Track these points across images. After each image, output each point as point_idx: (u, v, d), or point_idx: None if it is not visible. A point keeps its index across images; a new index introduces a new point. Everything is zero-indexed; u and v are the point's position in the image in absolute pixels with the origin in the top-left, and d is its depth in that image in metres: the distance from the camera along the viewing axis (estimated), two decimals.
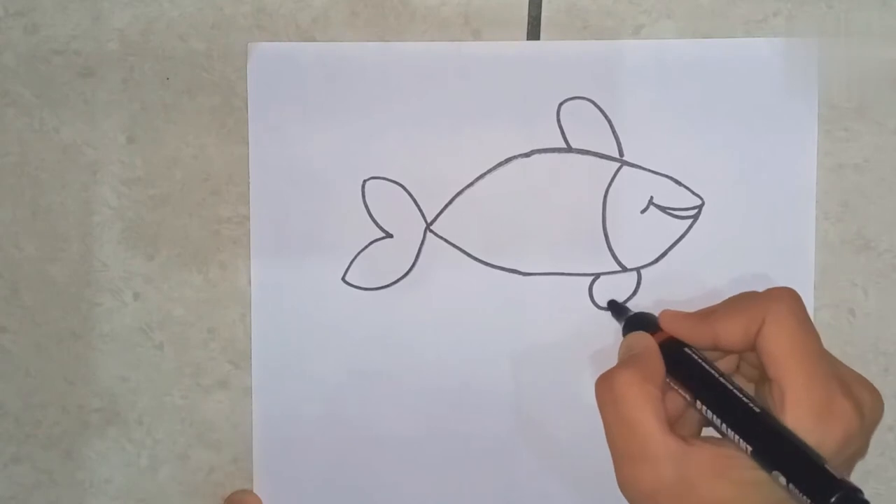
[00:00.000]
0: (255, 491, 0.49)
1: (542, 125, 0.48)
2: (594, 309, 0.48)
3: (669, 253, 0.48)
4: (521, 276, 0.48)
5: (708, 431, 0.41)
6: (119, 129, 0.49)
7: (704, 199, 0.47)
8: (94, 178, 0.49)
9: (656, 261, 0.48)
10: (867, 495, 0.34)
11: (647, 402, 0.39)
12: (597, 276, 0.48)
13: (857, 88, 0.47)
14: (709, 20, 0.47)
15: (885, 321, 0.48)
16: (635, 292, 0.48)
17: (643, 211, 0.48)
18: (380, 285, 0.49)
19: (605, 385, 0.40)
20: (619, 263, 0.48)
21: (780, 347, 0.38)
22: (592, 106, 0.47)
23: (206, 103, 0.49)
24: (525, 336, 0.48)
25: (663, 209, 0.48)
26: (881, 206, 0.48)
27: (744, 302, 0.40)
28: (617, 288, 0.48)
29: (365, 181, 0.48)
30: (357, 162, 0.48)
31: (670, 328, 0.42)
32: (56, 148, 0.49)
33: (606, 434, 0.40)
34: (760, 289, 0.41)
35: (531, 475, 0.48)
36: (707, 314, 0.41)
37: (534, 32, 0.48)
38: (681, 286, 0.47)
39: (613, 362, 0.47)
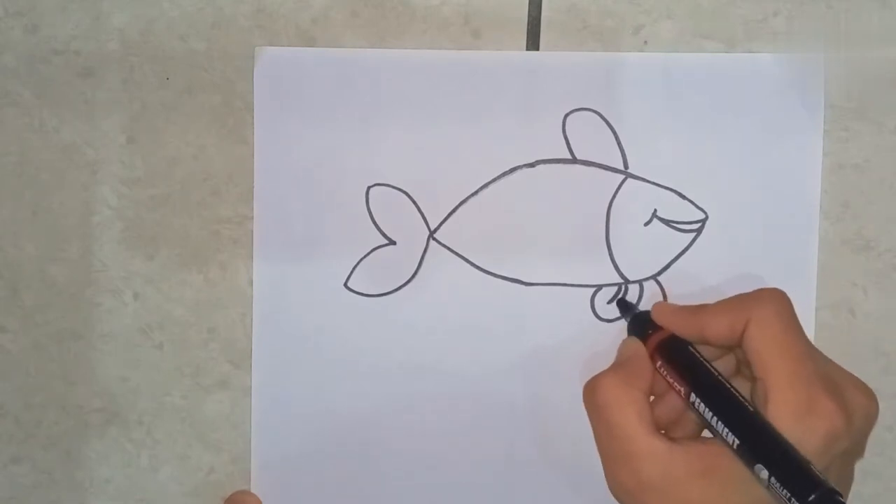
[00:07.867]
0: (253, 491, 0.49)
1: (548, 136, 0.48)
2: (596, 320, 0.48)
3: (672, 266, 0.48)
4: (523, 286, 0.48)
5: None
6: (119, 129, 0.49)
7: (708, 213, 0.47)
8: (94, 178, 0.49)
9: (659, 273, 0.48)
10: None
11: (629, 404, 0.40)
12: (599, 287, 0.48)
13: (857, 88, 0.47)
14: (709, 20, 0.47)
15: (885, 321, 0.48)
16: (637, 304, 0.48)
17: (647, 223, 0.48)
18: (382, 292, 0.48)
19: (589, 390, 0.41)
20: (622, 275, 0.48)
21: (763, 347, 0.39)
22: (598, 118, 0.47)
23: (206, 103, 0.49)
24: (526, 346, 0.48)
25: (667, 222, 0.47)
26: (881, 206, 0.48)
27: (733, 301, 0.41)
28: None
29: (369, 188, 0.48)
30: (361, 168, 0.48)
31: (660, 319, 0.44)
32: (56, 148, 0.49)
33: (595, 437, 0.41)
34: None
35: (531, 482, 0.48)
36: (696, 309, 0.42)
37: (534, 32, 0.48)
38: (683, 299, 0.47)
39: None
